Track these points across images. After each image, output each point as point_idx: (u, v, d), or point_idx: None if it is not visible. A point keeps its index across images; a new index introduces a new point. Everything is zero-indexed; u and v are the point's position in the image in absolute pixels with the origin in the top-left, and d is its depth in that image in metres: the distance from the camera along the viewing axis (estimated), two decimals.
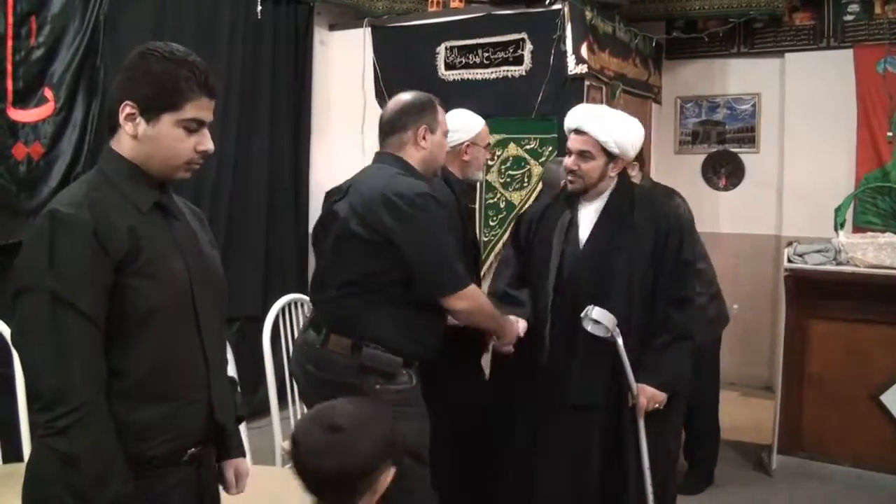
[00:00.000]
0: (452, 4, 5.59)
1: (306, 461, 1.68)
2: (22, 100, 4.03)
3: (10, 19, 3.94)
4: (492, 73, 5.32)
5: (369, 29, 5.82)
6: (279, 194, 5.59)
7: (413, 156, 2.83)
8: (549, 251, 3.07)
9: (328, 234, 2.79)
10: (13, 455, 3.31)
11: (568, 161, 3.04)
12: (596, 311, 2.78)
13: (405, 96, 2.89)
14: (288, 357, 3.59)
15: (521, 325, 3.03)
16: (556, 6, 5.02)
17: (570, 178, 3.05)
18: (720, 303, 4.35)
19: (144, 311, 1.78)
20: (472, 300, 2.72)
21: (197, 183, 4.94)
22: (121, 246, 1.74)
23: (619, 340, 2.81)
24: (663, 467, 3.03)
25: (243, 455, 2.22)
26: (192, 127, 1.84)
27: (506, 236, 4.72)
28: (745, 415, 5.46)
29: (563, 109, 4.54)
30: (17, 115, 4.01)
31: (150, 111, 1.78)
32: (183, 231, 1.96)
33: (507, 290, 3.20)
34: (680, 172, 6.53)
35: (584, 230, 3.06)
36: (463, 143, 3.58)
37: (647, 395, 2.90)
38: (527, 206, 4.78)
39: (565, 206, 3.13)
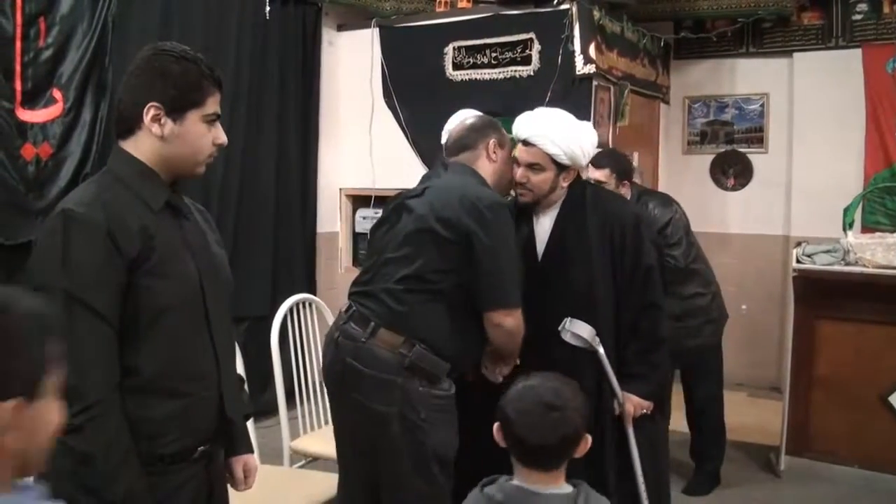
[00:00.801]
0: (460, 4, 5.59)
1: (528, 437, 1.85)
2: (30, 100, 4.04)
3: (19, 20, 3.95)
4: (499, 73, 5.31)
5: (377, 29, 5.82)
6: (287, 194, 5.59)
7: (485, 169, 2.85)
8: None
9: (394, 228, 2.73)
10: None
11: (517, 173, 2.91)
12: (574, 324, 2.71)
13: (470, 119, 3.03)
14: (296, 357, 3.60)
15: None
16: (564, 6, 5.01)
17: (519, 190, 2.93)
18: (720, 301, 4.37)
19: (157, 310, 1.80)
20: (517, 320, 2.64)
21: (205, 183, 4.95)
22: (133, 245, 1.76)
23: (601, 350, 2.75)
24: (655, 471, 2.97)
25: (251, 451, 2.24)
26: (212, 120, 1.91)
27: None
28: (752, 416, 5.44)
29: (571, 109, 4.56)
30: (26, 115, 4.02)
31: (177, 110, 1.83)
32: (193, 230, 1.98)
33: None
34: (688, 173, 6.53)
35: (541, 244, 2.96)
36: None
37: (634, 403, 2.86)
38: None
39: (522, 219, 2.98)
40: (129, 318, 1.77)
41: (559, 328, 2.70)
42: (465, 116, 3.76)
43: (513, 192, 3.03)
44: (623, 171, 4.07)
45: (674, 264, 4.02)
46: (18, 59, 3.96)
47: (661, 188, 6.43)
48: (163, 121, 1.83)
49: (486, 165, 2.86)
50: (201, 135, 1.89)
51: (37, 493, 1.12)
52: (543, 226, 2.96)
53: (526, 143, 2.87)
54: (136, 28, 4.51)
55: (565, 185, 2.92)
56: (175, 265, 1.85)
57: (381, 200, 5.38)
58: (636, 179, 5.54)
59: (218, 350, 1.96)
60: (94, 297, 1.71)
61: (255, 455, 3.25)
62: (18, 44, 3.96)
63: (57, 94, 4.15)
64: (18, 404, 1.08)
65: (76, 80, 4.20)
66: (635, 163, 5.81)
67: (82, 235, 1.72)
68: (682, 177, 6.54)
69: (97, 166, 4.26)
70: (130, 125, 1.85)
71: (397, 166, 5.54)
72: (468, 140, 2.88)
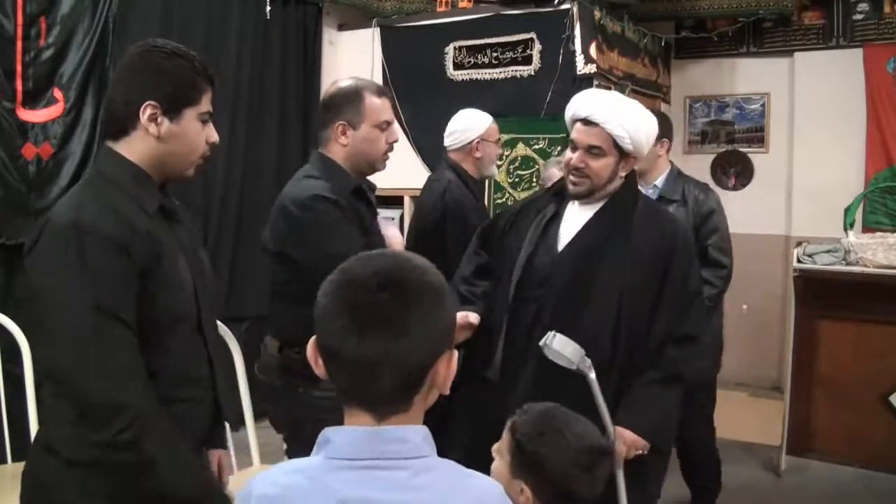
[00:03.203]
0: (461, 4, 5.59)
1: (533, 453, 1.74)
2: (31, 100, 4.03)
3: (20, 20, 3.94)
4: (500, 72, 5.30)
5: (378, 29, 5.81)
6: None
7: (337, 153, 2.63)
8: (521, 246, 2.58)
9: None
10: (24, 454, 3.31)
11: (573, 157, 2.50)
12: (557, 340, 2.24)
13: (337, 84, 2.69)
14: None
15: (471, 317, 2.58)
16: (565, 6, 5.00)
17: (573, 178, 2.52)
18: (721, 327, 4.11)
19: (162, 318, 1.78)
20: None
21: (207, 182, 4.95)
22: (143, 250, 1.72)
23: (591, 375, 2.25)
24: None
25: (226, 448, 2.22)
26: (206, 119, 1.86)
27: None
28: (753, 415, 5.44)
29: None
30: (27, 115, 4.01)
31: (174, 109, 1.79)
32: (185, 233, 1.95)
33: (458, 289, 2.69)
34: (689, 172, 6.38)
35: (569, 229, 2.55)
36: (473, 141, 3.66)
37: (627, 441, 2.36)
38: None
39: (552, 199, 2.64)
40: (144, 326, 1.73)
41: (540, 343, 2.26)
42: (466, 116, 3.78)
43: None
44: (664, 128, 3.68)
45: (726, 273, 3.86)
46: (19, 58, 3.96)
47: None
48: (160, 120, 1.78)
49: (338, 150, 2.61)
50: (198, 133, 1.85)
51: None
52: (578, 212, 2.57)
53: (587, 121, 2.48)
54: (136, 28, 4.48)
55: (623, 175, 2.53)
56: (176, 271, 1.82)
57: (381, 200, 5.34)
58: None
59: (211, 354, 1.93)
60: (123, 308, 1.67)
61: (255, 454, 3.27)
62: (19, 44, 3.95)
63: (58, 93, 4.14)
64: None
65: (77, 79, 4.19)
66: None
67: (98, 246, 1.66)
68: None
69: None
70: (124, 125, 1.79)
71: (398, 166, 5.47)
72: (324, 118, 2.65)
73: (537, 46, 5.15)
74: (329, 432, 1.19)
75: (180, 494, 1.71)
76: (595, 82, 5.02)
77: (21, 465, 3.14)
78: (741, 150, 6.42)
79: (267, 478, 1.21)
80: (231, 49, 5.10)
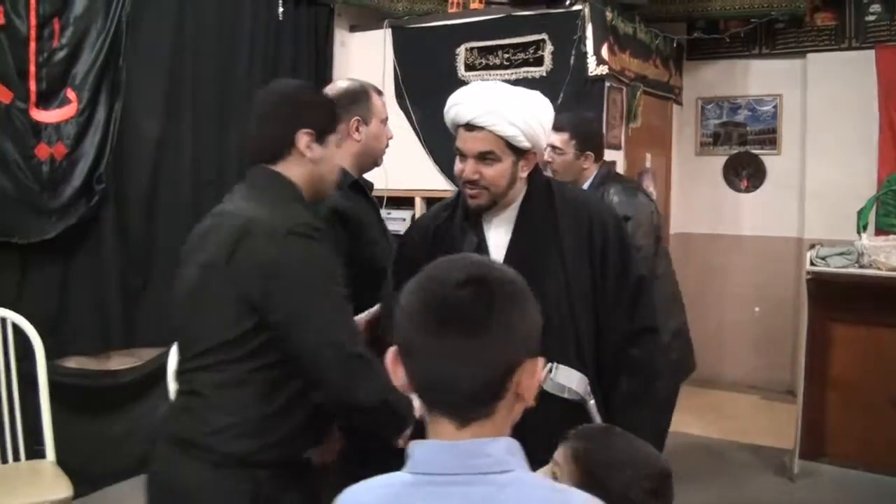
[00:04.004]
0: (472, 6, 5.54)
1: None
2: (45, 100, 4.00)
3: (33, 21, 3.91)
4: (512, 74, 5.26)
5: (389, 30, 5.77)
6: None
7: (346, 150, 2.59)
8: None
9: None
10: (38, 452, 3.37)
11: (464, 168, 2.21)
12: (562, 374, 2.13)
13: (338, 85, 2.69)
14: None
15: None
16: (577, 7, 4.96)
17: (469, 191, 2.23)
18: (685, 343, 3.61)
19: None
20: None
21: (219, 183, 4.91)
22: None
23: (591, 402, 2.16)
24: None
25: None
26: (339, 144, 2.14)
27: None
28: (766, 419, 5.40)
29: (584, 111, 4.51)
30: (40, 115, 3.98)
31: (323, 135, 2.04)
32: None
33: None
34: (701, 174, 6.48)
35: (498, 256, 2.24)
36: None
37: None
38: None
39: (465, 226, 2.31)
40: None
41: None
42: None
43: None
44: (586, 136, 3.41)
45: None
46: (33, 59, 3.92)
47: (674, 190, 6.40)
48: (313, 146, 2.01)
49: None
50: (336, 157, 2.11)
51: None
52: (498, 233, 2.30)
53: (470, 126, 2.18)
54: (149, 28, 4.48)
55: (524, 175, 2.25)
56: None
57: (393, 201, 5.34)
58: (647, 184, 5.49)
59: None
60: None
61: None
62: (33, 44, 3.91)
63: (71, 94, 4.11)
64: None
65: (90, 80, 4.15)
66: (647, 164, 5.76)
67: (328, 250, 1.93)
68: (695, 178, 6.50)
69: (111, 166, 4.25)
70: (279, 151, 2.00)
71: (410, 167, 5.49)
72: None
73: (549, 48, 5.11)
74: (413, 446, 1.16)
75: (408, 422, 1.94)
76: (607, 83, 4.98)
77: (34, 463, 3.24)
78: (753, 151, 6.38)
79: (354, 494, 1.19)
80: (243, 50, 5.07)
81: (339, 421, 1.98)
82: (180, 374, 2.03)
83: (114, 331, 4.42)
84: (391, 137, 2.73)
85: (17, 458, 3.33)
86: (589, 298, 2.23)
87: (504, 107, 2.15)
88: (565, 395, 2.12)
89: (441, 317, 1.12)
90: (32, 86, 3.94)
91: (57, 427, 3.39)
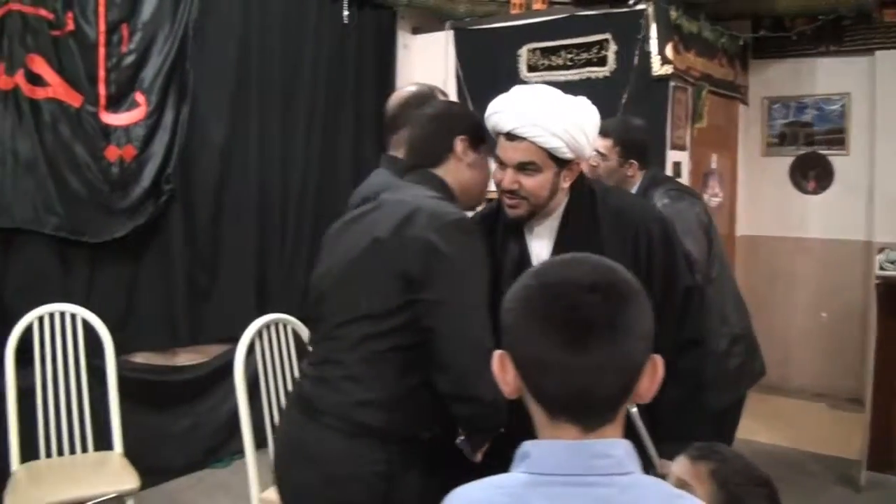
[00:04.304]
0: (535, 6, 5.49)
1: None
2: (114, 104, 4.07)
3: (102, 27, 3.98)
4: (575, 74, 5.19)
5: (452, 32, 5.75)
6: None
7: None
8: (498, 292, 2.11)
9: None
10: (106, 444, 3.41)
11: (503, 178, 2.14)
12: None
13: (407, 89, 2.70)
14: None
15: None
16: (641, 6, 4.86)
17: (508, 201, 2.15)
18: (749, 347, 3.33)
19: None
20: None
21: (284, 187, 4.97)
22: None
23: (634, 409, 2.08)
24: None
25: None
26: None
27: None
28: (832, 428, 5.24)
29: (648, 111, 4.44)
30: (110, 118, 4.06)
31: (476, 142, 2.16)
32: None
33: None
34: (767, 175, 6.31)
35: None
36: None
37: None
38: None
39: (509, 237, 2.25)
40: None
41: None
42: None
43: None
44: (631, 144, 3.22)
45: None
46: (102, 64, 4.00)
47: (740, 191, 6.26)
48: (468, 152, 2.14)
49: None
50: (486, 165, 2.20)
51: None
52: (541, 243, 2.23)
53: (511, 136, 2.10)
54: (215, 33, 4.54)
55: (566, 185, 2.17)
56: None
57: None
58: (713, 185, 5.38)
59: None
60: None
61: None
62: (102, 50, 3.99)
63: (140, 97, 4.18)
64: None
65: (158, 84, 4.22)
66: (713, 164, 5.65)
67: (483, 248, 2.04)
68: (761, 180, 6.33)
69: (178, 167, 4.32)
70: (439, 156, 2.14)
71: None
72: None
73: (612, 47, 5.03)
74: (529, 445, 1.12)
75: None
76: (671, 83, 4.89)
77: (102, 454, 3.30)
78: (821, 152, 6.18)
79: (463, 494, 1.15)
80: (308, 53, 5.10)
81: (452, 409, 1.97)
82: (315, 343, 2.13)
83: (180, 328, 4.49)
84: None
85: (84, 449, 3.38)
86: None
87: (547, 117, 2.06)
88: None
89: (578, 328, 1.07)
90: (102, 90, 4.02)
91: (124, 420, 3.45)
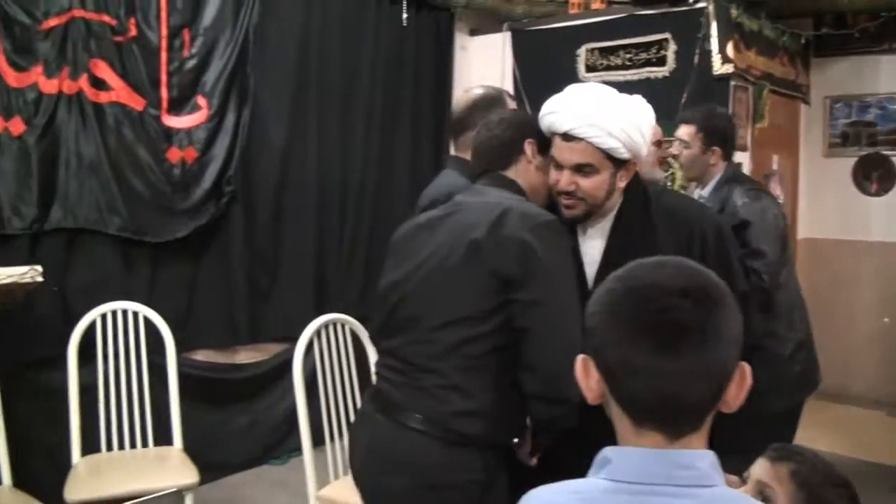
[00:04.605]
0: (594, 6, 5.41)
1: None
2: (176, 107, 4.11)
3: (164, 32, 4.02)
4: (634, 74, 5.10)
5: (509, 33, 5.70)
6: (419, 196, 5.55)
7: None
8: None
9: None
10: (165, 439, 3.45)
11: (559, 179, 2.10)
12: None
13: (474, 91, 2.70)
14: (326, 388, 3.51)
15: None
16: (701, 4, 4.75)
17: (565, 202, 2.12)
18: (810, 354, 3.23)
19: None
20: None
21: (343, 186, 4.97)
22: None
23: None
24: None
25: None
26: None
27: None
28: (891, 436, 5.07)
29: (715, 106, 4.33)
30: (172, 121, 4.09)
31: (542, 147, 2.15)
32: None
33: None
34: (829, 177, 6.13)
35: (591, 267, 2.16)
36: None
37: (732, 484, 1.96)
38: None
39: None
40: None
41: None
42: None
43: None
44: (714, 130, 3.21)
45: (755, 281, 2.94)
46: (164, 68, 4.04)
47: (801, 193, 6.10)
48: (536, 154, 2.15)
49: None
50: (549, 168, 2.17)
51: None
52: (593, 243, 2.19)
53: (568, 137, 2.05)
54: (275, 37, 4.55)
55: (623, 185, 2.14)
56: None
57: None
58: (774, 187, 5.24)
59: None
60: None
61: None
62: (164, 54, 4.03)
63: (201, 101, 4.21)
64: None
65: (219, 87, 4.25)
66: (774, 165, 5.52)
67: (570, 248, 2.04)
68: (823, 181, 6.15)
69: (239, 169, 4.35)
70: (509, 158, 2.16)
71: None
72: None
73: (672, 47, 4.94)
74: (609, 452, 1.09)
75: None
76: (732, 82, 4.78)
77: (162, 449, 3.34)
78: (884, 152, 5.96)
79: (539, 497, 1.12)
80: (366, 55, 5.10)
81: (531, 409, 1.95)
82: (397, 348, 2.05)
83: (240, 326, 4.51)
84: None
85: (145, 444, 3.42)
86: None
87: (604, 117, 2.02)
88: None
89: (668, 332, 1.05)
90: (164, 93, 4.06)
91: (184, 416, 3.48)
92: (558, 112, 2.06)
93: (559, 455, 2.07)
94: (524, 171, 2.16)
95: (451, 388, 1.92)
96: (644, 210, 2.17)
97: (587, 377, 1.13)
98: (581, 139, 2.03)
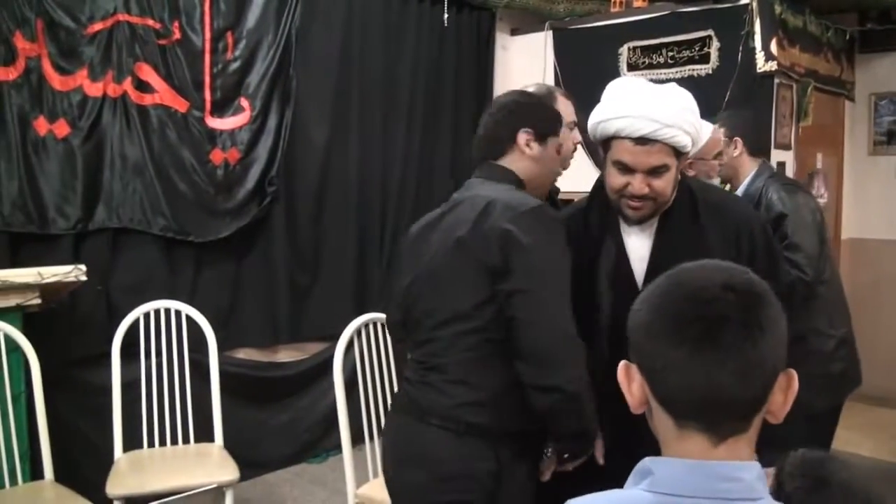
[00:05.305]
0: (636, 4, 5.28)
1: None
2: (219, 109, 4.10)
3: (208, 35, 4.02)
4: (676, 72, 4.97)
5: (550, 32, 5.61)
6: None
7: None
8: (595, 293, 2.09)
9: None
10: (206, 436, 3.45)
11: (632, 184, 1.99)
12: None
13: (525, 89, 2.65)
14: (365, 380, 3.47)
15: None
16: (744, 0, 4.63)
17: (633, 204, 2.01)
18: (851, 353, 3.10)
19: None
20: None
21: (384, 184, 4.94)
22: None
23: None
24: None
25: None
26: (560, 150, 2.19)
27: None
28: None
29: (751, 110, 4.23)
30: (215, 123, 4.09)
31: (543, 136, 2.11)
32: None
33: None
34: (874, 175, 5.94)
35: (639, 263, 2.07)
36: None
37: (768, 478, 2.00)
38: None
39: (604, 236, 2.11)
40: None
41: None
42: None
43: None
44: (734, 123, 3.13)
45: (797, 274, 2.82)
46: (208, 71, 4.03)
47: (846, 192, 5.92)
48: (532, 144, 2.09)
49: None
50: (555, 159, 2.17)
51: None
52: (640, 239, 2.09)
53: (644, 140, 1.95)
54: (318, 39, 4.53)
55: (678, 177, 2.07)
56: None
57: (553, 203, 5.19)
58: (818, 186, 5.10)
59: None
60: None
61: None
62: (208, 57, 4.03)
63: (244, 102, 4.20)
64: None
65: (262, 89, 4.24)
66: (819, 164, 5.37)
67: (562, 233, 1.95)
68: (868, 180, 5.96)
69: (282, 170, 4.34)
70: (503, 147, 2.10)
71: (571, 169, 5.33)
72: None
73: (715, 44, 4.81)
74: (651, 462, 1.05)
75: (591, 432, 1.94)
76: (776, 80, 4.65)
77: (203, 446, 3.33)
78: None
79: None
80: (408, 56, 5.06)
81: (529, 400, 1.89)
82: (412, 349, 2.11)
83: (281, 325, 4.50)
84: (578, 142, 2.60)
85: (186, 440, 3.42)
86: None
87: (677, 116, 1.95)
88: None
89: (711, 324, 1.01)
90: (208, 95, 4.05)
91: (225, 414, 3.47)
92: (629, 116, 1.95)
93: (598, 464, 2.04)
94: (518, 159, 2.10)
95: (458, 383, 1.95)
96: (691, 205, 2.09)
97: (629, 382, 1.10)
98: (657, 141, 1.95)
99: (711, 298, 1.02)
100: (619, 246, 2.09)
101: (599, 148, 2.12)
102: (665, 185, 1.99)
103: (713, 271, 1.07)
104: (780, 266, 2.12)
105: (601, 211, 2.13)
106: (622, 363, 1.10)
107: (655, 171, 1.97)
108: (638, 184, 1.98)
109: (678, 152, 1.98)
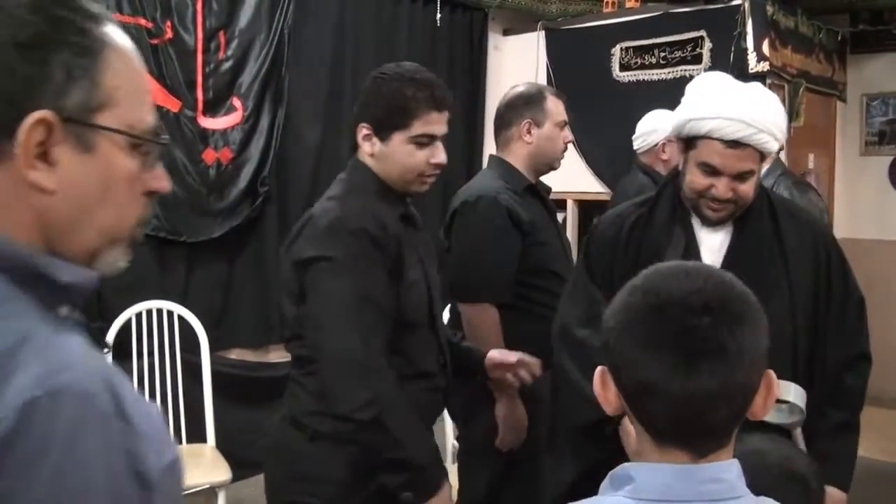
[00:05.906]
0: (628, 4, 5.27)
1: None
2: (212, 109, 4.08)
3: (200, 34, 4.00)
4: (669, 72, 4.96)
5: (543, 32, 5.58)
6: (452, 197, 5.48)
7: (518, 153, 2.64)
8: None
9: None
10: (199, 436, 3.45)
11: (719, 188, 1.91)
12: (794, 391, 1.79)
13: (515, 89, 2.69)
14: None
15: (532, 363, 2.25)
16: (736, 1, 4.60)
17: (715, 206, 1.95)
18: None
19: (408, 317, 1.88)
20: None
21: None
22: (392, 251, 1.84)
23: (798, 431, 1.87)
24: None
25: None
26: (424, 142, 1.89)
27: None
28: None
29: None
30: (208, 122, 4.07)
31: (383, 131, 1.88)
32: (423, 241, 2.04)
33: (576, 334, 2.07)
34: (865, 176, 5.93)
35: (711, 256, 1.98)
36: (659, 143, 3.50)
37: (837, 501, 1.94)
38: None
39: (671, 223, 2.04)
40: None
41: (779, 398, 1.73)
42: (653, 118, 3.57)
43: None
44: None
45: None
46: (200, 70, 4.01)
47: (837, 192, 5.91)
48: (372, 140, 1.89)
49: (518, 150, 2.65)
50: (408, 155, 1.88)
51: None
52: (713, 234, 2.01)
53: (735, 144, 1.87)
54: (310, 39, 4.50)
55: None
56: (414, 275, 1.90)
57: None
58: (811, 181, 5.09)
59: (444, 351, 2.03)
60: (379, 296, 1.81)
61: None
62: (200, 56, 4.01)
63: (237, 102, 4.18)
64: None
65: (255, 89, 4.21)
66: (810, 164, 5.37)
67: (358, 239, 1.80)
68: (859, 180, 5.95)
69: (274, 170, 4.31)
70: (353, 143, 1.95)
71: (562, 170, 5.28)
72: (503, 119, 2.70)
73: (707, 44, 4.79)
74: (631, 469, 1.02)
75: (416, 461, 1.80)
76: (767, 80, 4.63)
77: (196, 446, 3.31)
78: None
79: None
80: (400, 56, 4.99)
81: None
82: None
83: (274, 325, 4.46)
84: (569, 141, 2.61)
85: (178, 441, 3.39)
86: (811, 321, 1.98)
87: (770, 120, 1.88)
88: (784, 421, 1.83)
89: (689, 354, 0.97)
90: (200, 95, 4.03)
91: (217, 414, 3.47)
92: (723, 118, 1.87)
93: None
94: (365, 157, 1.95)
95: (304, 392, 1.92)
96: (768, 207, 2.04)
97: (605, 390, 1.06)
98: (748, 145, 1.88)
99: (687, 327, 0.97)
100: (689, 239, 2.01)
101: (679, 144, 2.03)
102: (749, 189, 1.93)
103: (689, 287, 1.01)
104: (851, 281, 2.06)
105: (671, 203, 2.05)
106: (599, 369, 1.05)
107: (741, 176, 1.91)
108: (723, 187, 1.91)
109: (763, 156, 1.93)
